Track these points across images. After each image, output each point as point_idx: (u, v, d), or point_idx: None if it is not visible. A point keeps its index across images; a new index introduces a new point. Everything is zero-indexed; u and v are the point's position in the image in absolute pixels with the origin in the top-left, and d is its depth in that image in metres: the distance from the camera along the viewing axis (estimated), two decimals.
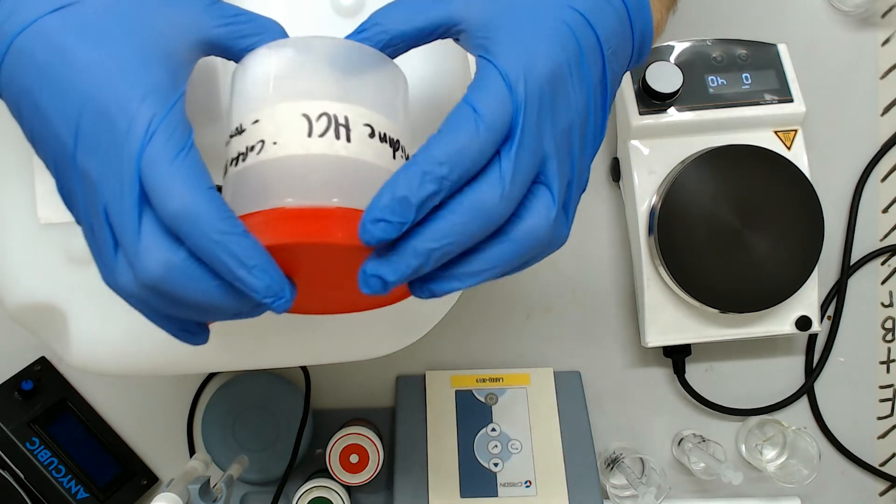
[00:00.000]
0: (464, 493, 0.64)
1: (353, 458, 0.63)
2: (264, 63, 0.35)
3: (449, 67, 0.44)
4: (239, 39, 0.35)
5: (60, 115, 0.32)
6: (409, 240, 0.31)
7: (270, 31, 0.36)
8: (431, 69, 0.44)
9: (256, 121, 0.33)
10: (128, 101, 0.31)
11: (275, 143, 0.33)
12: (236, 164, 0.33)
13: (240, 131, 0.34)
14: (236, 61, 0.36)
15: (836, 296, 0.72)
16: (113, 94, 0.31)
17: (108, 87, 0.31)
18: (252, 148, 0.33)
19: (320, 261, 0.33)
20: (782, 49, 0.67)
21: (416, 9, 0.36)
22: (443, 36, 0.36)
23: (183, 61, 0.33)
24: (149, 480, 0.71)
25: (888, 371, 0.73)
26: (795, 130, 0.67)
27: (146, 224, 0.31)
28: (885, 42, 0.72)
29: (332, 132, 0.33)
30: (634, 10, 0.37)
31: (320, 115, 0.33)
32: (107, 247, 0.32)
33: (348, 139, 0.33)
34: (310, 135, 0.33)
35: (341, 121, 0.33)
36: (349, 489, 0.65)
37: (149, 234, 0.31)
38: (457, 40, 0.36)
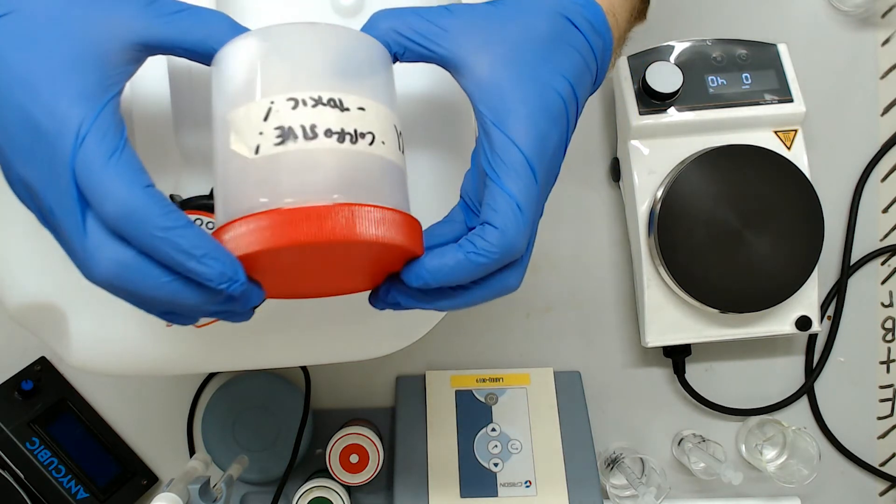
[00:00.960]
0: (464, 493, 0.64)
1: (353, 458, 0.63)
2: (360, 46, 0.35)
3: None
4: (182, 36, 0.34)
5: None
6: (437, 299, 0.36)
7: (215, 24, 0.35)
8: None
9: (362, 108, 0.33)
10: (55, 107, 0.31)
11: (383, 143, 0.33)
12: (341, 139, 0.32)
13: (339, 106, 0.33)
14: (190, 58, 0.35)
15: (836, 296, 0.72)
16: (40, 103, 0.31)
17: (36, 95, 0.31)
18: (363, 135, 0.33)
19: (333, 253, 0.33)
20: (782, 49, 0.67)
21: (425, 36, 0.36)
22: (438, 64, 0.37)
23: (118, 64, 0.33)
24: (149, 480, 0.71)
25: (888, 371, 0.73)
26: (795, 130, 0.67)
27: (91, 225, 0.31)
28: (885, 42, 0.72)
29: (403, 151, 0.35)
30: (601, 67, 0.39)
31: (400, 133, 0.35)
32: (65, 247, 0.33)
33: (403, 152, 0.35)
34: (399, 148, 0.34)
35: (404, 141, 0.35)
36: (349, 489, 0.65)
37: (95, 235, 0.31)
38: (445, 68, 0.37)
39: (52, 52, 0.32)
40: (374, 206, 0.32)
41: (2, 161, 0.33)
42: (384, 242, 0.32)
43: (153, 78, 0.40)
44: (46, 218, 0.33)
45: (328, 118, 0.32)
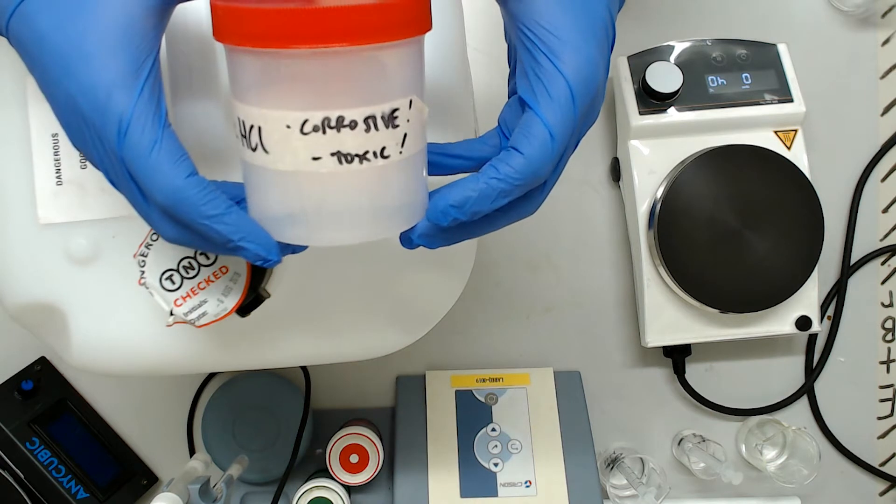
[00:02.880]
0: (464, 493, 0.64)
1: (353, 458, 0.63)
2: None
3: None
4: None
5: (51, 99, 0.33)
6: (456, 233, 0.36)
7: None
8: None
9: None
10: (95, 96, 0.31)
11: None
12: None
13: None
14: None
15: (836, 296, 0.72)
16: (81, 88, 0.32)
17: (76, 79, 0.32)
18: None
19: None
20: (782, 49, 0.67)
21: None
22: None
23: (146, 29, 0.32)
24: (149, 480, 0.71)
25: (888, 371, 0.73)
26: (795, 130, 0.67)
27: (152, 204, 0.34)
28: (885, 42, 0.72)
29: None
30: None
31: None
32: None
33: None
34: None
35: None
36: (349, 489, 0.65)
37: (156, 211, 0.34)
38: None
39: (84, 29, 0.32)
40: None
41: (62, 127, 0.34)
42: None
43: None
44: (111, 182, 0.35)
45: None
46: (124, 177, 0.33)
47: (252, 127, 0.33)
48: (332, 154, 0.32)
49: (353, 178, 0.33)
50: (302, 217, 0.34)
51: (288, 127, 0.32)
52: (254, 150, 0.33)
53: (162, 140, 0.32)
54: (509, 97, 0.38)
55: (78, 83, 0.31)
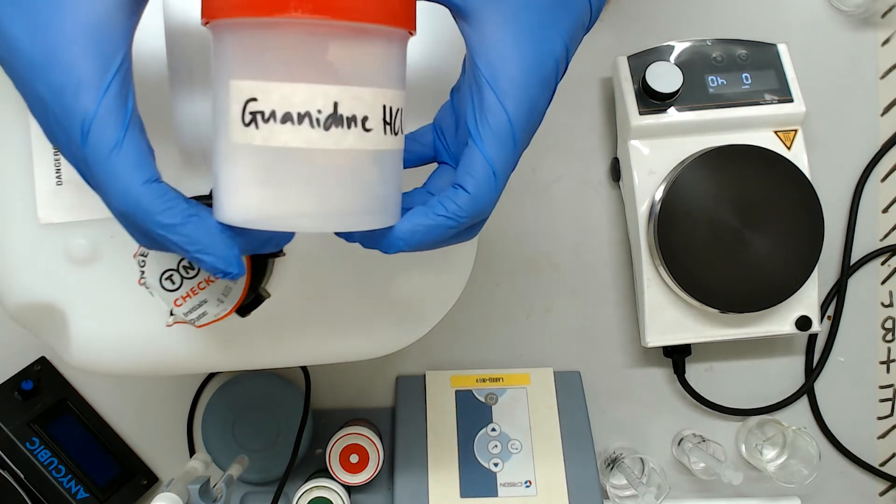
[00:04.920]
0: (464, 493, 0.64)
1: (353, 458, 0.63)
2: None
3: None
4: None
5: (25, 99, 0.33)
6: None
7: None
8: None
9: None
10: (62, 97, 0.31)
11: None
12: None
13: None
14: None
15: (836, 296, 0.72)
16: (50, 88, 0.31)
17: (44, 79, 0.31)
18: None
19: None
20: (782, 49, 0.67)
21: None
22: (445, 5, 0.36)
23: (118, 21, 0.32)
24: (149, 480, 0.71)
25: (888, 371, 0.73)
26: (795, 130, 0.67)
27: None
28: (885, 42, 0.72)
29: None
30: (594, 16, 0.38)
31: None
32: None
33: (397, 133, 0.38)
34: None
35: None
36: (349, 489, 0.65)
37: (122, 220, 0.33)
38: (451, 10, 0.36)
39: (51, 28, 0.31)
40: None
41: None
42: None
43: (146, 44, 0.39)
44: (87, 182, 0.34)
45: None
46: (91, 179, 0.32)
47: (371, 108, 0.33)
48: (402, 132, 0.35)
49: (399, 159, 0.36)
50: (360, 201, 0.34)
51: (384, 106, 0.33)
52: (363, 130, 0.33)
53: (123, 142, 0.31)
54: (451, 97, 0.39)
55: (47, 84, 0.31)
